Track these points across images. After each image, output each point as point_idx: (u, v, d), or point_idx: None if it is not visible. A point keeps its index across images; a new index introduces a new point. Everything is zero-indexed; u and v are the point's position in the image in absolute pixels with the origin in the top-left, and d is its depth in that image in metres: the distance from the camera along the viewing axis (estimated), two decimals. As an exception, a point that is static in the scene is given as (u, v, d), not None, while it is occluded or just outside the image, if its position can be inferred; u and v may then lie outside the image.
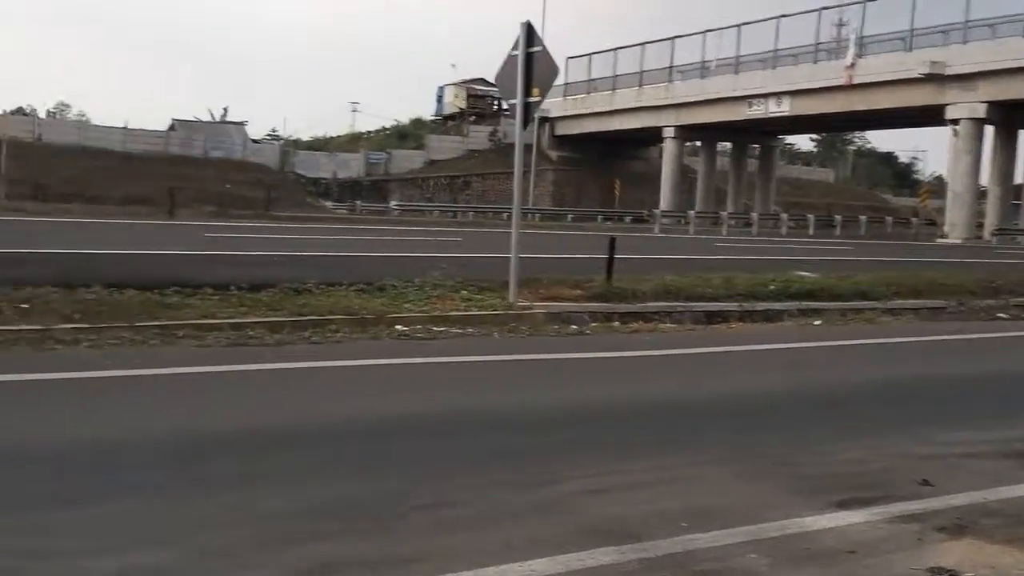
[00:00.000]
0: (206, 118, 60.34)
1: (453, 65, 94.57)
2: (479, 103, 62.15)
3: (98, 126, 51.70)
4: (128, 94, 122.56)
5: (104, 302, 9.22)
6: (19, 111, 61.63)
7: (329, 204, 49.36)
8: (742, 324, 11.65)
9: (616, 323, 10.87)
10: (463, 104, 62.33)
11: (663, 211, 44.19)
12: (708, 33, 46.96)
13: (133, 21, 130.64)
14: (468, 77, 62.80)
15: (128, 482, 4.45)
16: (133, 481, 4.47)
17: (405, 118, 69.31)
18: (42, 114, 63.28)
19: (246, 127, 58.55)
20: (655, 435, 5.91)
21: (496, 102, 58.15)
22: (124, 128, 49.82)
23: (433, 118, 66.56)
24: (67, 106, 72.73)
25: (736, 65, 45.39)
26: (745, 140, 53.05)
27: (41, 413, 5.77)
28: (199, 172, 45.32)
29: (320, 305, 9.89)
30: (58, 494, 4.23)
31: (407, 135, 64.10)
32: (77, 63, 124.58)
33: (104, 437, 5.18)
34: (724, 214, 44.54)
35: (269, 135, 70.01)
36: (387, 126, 69.80)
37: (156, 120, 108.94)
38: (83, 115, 67.32)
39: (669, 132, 49.42)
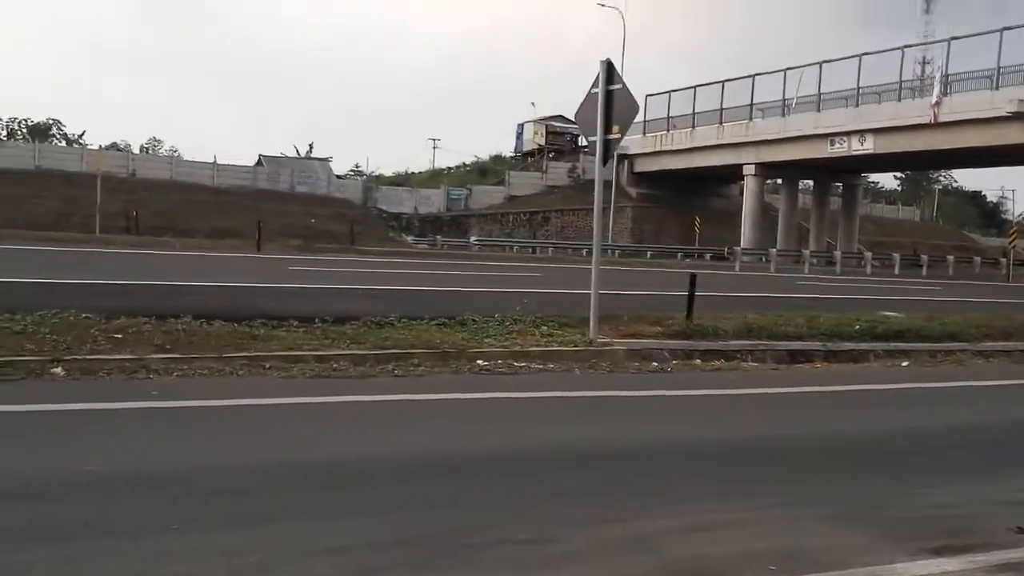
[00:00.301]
0: (292, 154, 61.71)
1: (532, 103, 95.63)
2: (558, 140, 62.50)
3: (189, 161, 53.19)
4: (216, 131, 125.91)
5: (194, 333, 9.49)
6: (113, 147, 63.85)
7: (410, 239, 49.80)
8: (827, 364, 11.45)
9: (697, 361, 10.78)
10: (542, 141, 62.73)
11: (744, 249, 43.71)
12: (788, 71, 46.47)
13: (222, 61, 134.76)
14: (547, 114, 63.32)
15: (216, 511, 4.55)
16: (223, 510, 4.58)
17: (485, 154, 70.08)
18: (136, 150, 65.37)
19: (330, 163, 59.68)
20: (741, 474, 5.85)
21: (575, 139, 58.40)
22: (213, 163, 51.12)
23: (513, 154, 67.12)
24: (159, 142, 74.95)
25: (818, 102, 44.81)
26: (827, 178, 52.25)
27: (129, 442, 5.90)
28: (284, 207, 46.20)
29: (402, 339, 10.04)
30: (143, 523, 4.32)
31: (487, 171, 64.62)
32: (168, 100, 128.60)
33: (191, 466, 5.31)
34: (806, 252, 43.90)
35: (352, 171, 71.23)
36: (467, 162, 70.65)
37: (243, 156, 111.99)
38: (175, 150, 69.34)
39: (750, 169, 48.88)
